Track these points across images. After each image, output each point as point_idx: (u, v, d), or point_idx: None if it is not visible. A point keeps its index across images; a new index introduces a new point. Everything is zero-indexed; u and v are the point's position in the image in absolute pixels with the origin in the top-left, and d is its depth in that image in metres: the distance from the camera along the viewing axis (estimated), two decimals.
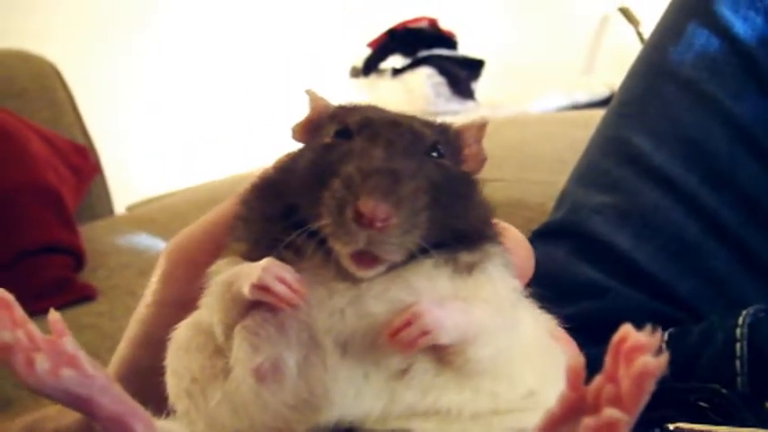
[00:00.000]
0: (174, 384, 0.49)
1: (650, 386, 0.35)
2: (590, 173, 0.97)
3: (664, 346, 0.76)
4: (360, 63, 3.36)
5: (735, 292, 0.84)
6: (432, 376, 0.46)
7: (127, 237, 1.74)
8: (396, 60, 3.25)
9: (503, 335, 0.47)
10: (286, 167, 0.52)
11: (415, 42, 3.26)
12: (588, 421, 0.34)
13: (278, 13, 3.49)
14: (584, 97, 3.10)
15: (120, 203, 2.25)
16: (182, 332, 0.50)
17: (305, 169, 0.49)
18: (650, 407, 0.66)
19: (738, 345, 0.72)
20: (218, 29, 3.37)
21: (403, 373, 0.45)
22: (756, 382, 0.70)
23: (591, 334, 0.52)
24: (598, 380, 0.36)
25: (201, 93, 3.28)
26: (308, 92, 0.55)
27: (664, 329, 0.77)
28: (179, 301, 0.53)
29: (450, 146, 0.51)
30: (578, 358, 0.36)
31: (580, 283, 0.88)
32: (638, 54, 1.02)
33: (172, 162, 3.17)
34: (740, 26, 0.91)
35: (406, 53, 3.24)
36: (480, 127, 0.54)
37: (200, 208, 0.63)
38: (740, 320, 0.73)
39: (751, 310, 0.74)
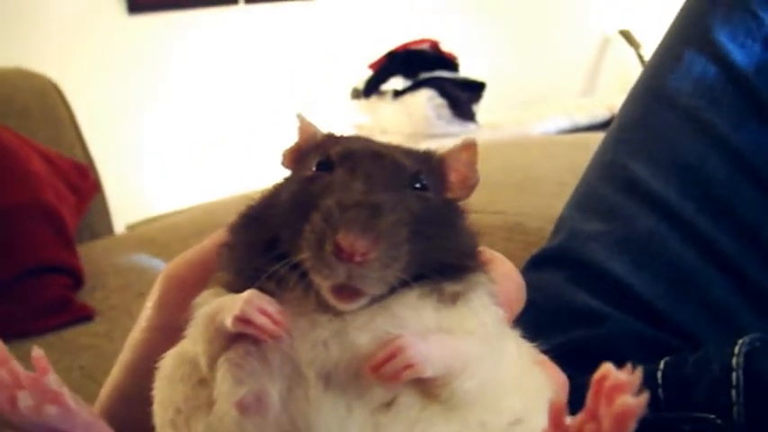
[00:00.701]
0: (159, 414, 0.49)
1: (631, 425, 0.34)
2: (587, 198, 0.97)
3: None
4: (361, 85, 3.37)
5: (732, 320, 0.84)
6: (418, 410, 0.45)
7: (126, 257, 1.74)
8: (397, 82, 3.27)
9: (488, 365, 0.47)
10: (270, 198, 0.52)
11: (416, 64, 3.27)
12: None
13: (281, 35, 3.51)
14: (584, 119, 3.12)
15: (121, 222, 2.25)
16: (167, 362, 0.50)
17: (287, 201, 0.49)
18: None
19: (734, 374, 0.71)
20: (222, 48, 3.39)
21: (388, 406, 0.45)
22: (752, 412, 0.70)
23: (588, 361, 0.52)
24: (579, 417, 0.36)
25: (203, 112, 3.30)
26: (298, 117, 0.55)
27: (660, 357, 0.77)
28: (171, 328, 0.53)
29: (433, 175, 0.51)
30: (560, 395, 0.36)
31: (577, 310, 0.87)
32: (637, 79, 1.03)
33: (173, 181, 3.18)
34: (738, 54, 0.91)
35: (407, 75, 3.26)
36: (466, 149, 0.53)
37: (200, 228, 0.63)
38: (736, 349, 0.72)
39: (747, 339, 0.73)
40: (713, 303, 0.85)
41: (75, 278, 1.55)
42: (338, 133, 0.55)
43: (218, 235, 0.58)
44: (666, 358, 0.76)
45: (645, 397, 0.35)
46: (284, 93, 3.42)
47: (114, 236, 2.06)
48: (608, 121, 2.71)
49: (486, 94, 3.25)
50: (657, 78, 0.97)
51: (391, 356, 0.43)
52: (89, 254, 1.70)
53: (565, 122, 3.09)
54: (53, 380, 0.40)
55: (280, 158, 0.55)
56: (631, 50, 4.05)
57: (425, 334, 0.45)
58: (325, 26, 3.64)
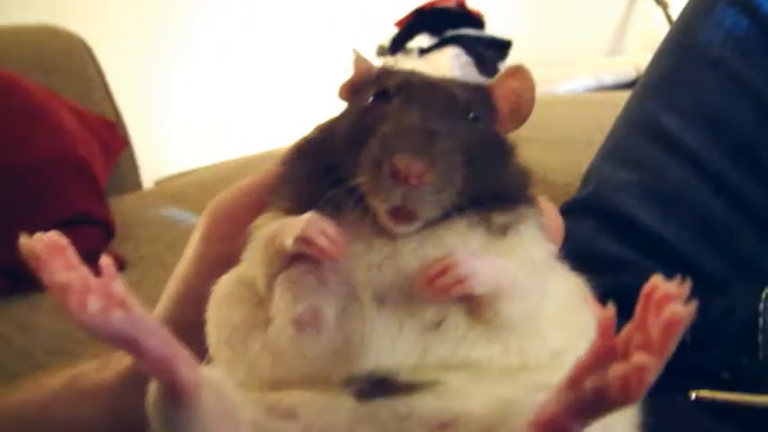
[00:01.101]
0: (215, 335, 0.51)
1: (678, 334, 0.36)
2: (617, 150, 0.98)
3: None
4: (386, 42, 3.35)
5: (758, 268, 0.85)
6: (464, 329, 0.47)
7: (156, 210, 1.76)
8: (423, 40, 3.23)
9: (534, 293, 0.49)
10: (327, 129, 0.54)
11: (442, 22, 3.23)
12: (617, 367, 0.36)
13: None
14: (610, 79, 3.08)
15: (149, 179, 2.27)
16: (224, 285, 0.52)
17: (345, 130, 0.51)
18: (672, 376, 0.68)
19: (761, 319, 0.73)
20: (251, 5, 3.39)
21: (436, 325, 0.47)
22: None
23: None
24: (628, 329, 0.37)
25: (231, 70, 3.30)
26: (353, 51, 0.56)
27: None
28: (219, 259, 0.55)
29: (485, 107, 0.53)
30: (610, 310, 0.37)
31: (604, 258, 0.89)
32: (668, 32, 1.03)
33: (201, 138, 3.19)
34: None
35: (433, 33, 3.22)
36: (513, 75, 0.55)
37: (229, 182, 0.65)
38: (763, 295, 0.74)
39: None
40: (739, 252, 0.86)
41: (106, 230, 1.57)
42: (391, 67, 0.56)
43: (263, 172, 0.59)
44: (694, 302, 0.78)
45: (693, 306, 0.36)
46: (311, 49, 3.41)
47: (143, 190, 2.07)
48: (634, 80, 2.69)
49: (512, 52, 3.23)
50: (688, 31, 0.97)
51: (444, 271, 0.45)
52: (119, 207, 1.72)
53: (591, 81, 3.06)
54: (120, 286, 0.41)
55: (336, 91, 0.56)
56: (659, 10, 4.00)
57: (477, 254, 0.47)
58: None
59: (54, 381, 0.71)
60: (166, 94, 3.13)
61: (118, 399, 0.67)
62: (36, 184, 1.52)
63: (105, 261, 0.42)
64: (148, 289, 1.56)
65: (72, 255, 0.42)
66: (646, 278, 0.82)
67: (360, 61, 0.57)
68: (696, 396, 0.66)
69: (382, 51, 3.36)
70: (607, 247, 0.89)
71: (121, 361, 0.68)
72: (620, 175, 0.94)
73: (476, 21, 3.36)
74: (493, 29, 3.39)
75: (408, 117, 0.47)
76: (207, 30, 3.26)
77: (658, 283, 0.37)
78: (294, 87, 3.33)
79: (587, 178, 0.98)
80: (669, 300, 0.36)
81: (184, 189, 1.88)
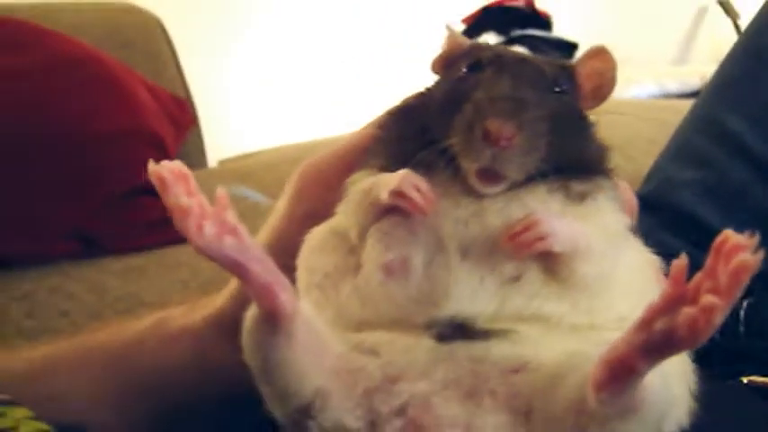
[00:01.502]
0: (305, 279, 0.55)
1: (745, 280, 0.39)
2: (682, 149, 1.00)
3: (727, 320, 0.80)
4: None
5: None
6: (539, 285, 0.51)
7: (221, 187, 1.80)
8: (489, 38, 3.22)
9: (607, 258, 0.52)
10: (422, 96, 0.58)
11: (509, 21, 3.24)
12: (687, 309, 0.39)
13: None
14: (675, 87, 3.07)
15: (212, 159, 2.32)
16: (316, 235, 0.57)
17: (440, 96, 0.55)
18: (727, 363, 0.71)
19: None
20: None
21: (514, 279, 0.51)
22: None
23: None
24: (698, 276, 0.40)
25: (298, 56, 3.34)
26: (447, 28, 0.60)
27: (742, 299, 0.81)
28: (307, 216, 0.59)
29: (569, 83, 0.56)
30: (683, 260, 0.40)
31: (665, 252, 0.91)
32: (737, 39, 1.05)
33: (264, 122, 3.23)
34: None
35: (500, 31, 3.22)
36: (595, 56, 0.58)
37: (294, 163, 0.68)
38: None
39: None
40: None
41: None
42: (483, 43, 0.60)
43: (354, 135, 0.63)
44: (749, 299, 0.80)
45: (760, 256, 0.39)
46: (377, 41, 3.44)
47: (209, 168, 2.12)
48: (698, 90, 2.67)
49: (578, 54, 3.21)
50: (758, 37, 1.00)
51: (527, 228, 0.49)
52: None
53: (654, 89, 3.05)
54: (232, 215, 0.45)
55: (429, 65, 0.60)
56: (728, 21, 3.96)
57: (558, 216, 0.51)
58: None
59: (141, 322, 0.75)
60: (234, 77, 3.18)
61: (203, 342, 0.71)
62: (110, 154, 1.57)
63: (221, 192, 0.46)
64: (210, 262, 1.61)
65: (193, 183, 0.46)
66: None
67: (453, 37, 0.60)
68: (748, 381, 0.69)
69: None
70: (669, 241, 0.92)
71: (207, 306, 0.72)
72: (683, 173, 0.97)
73: (543, 21, 3.36)
74: (560, 30, 3.39)
75: (500, 85, 0.51)
76: (279, 14, 3.30)
77: (729, 235, 0.40)
78: (359, 76, 3.36)
79: (651, 174, 1.01)
80: (738, 249, 0.39)
81: (249, 169, 1.92)
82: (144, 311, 0.78)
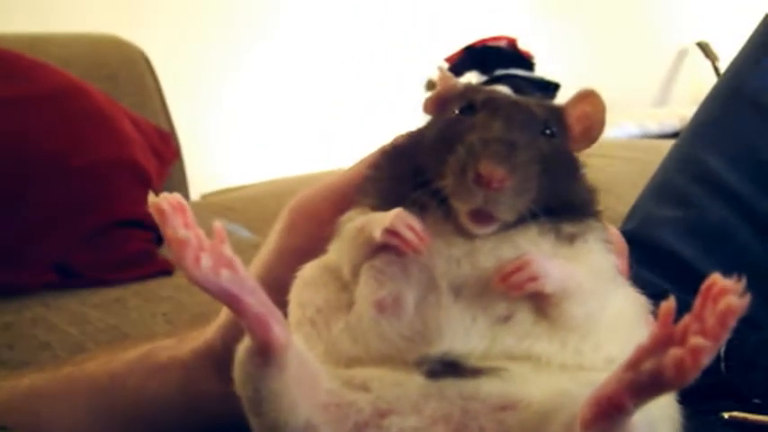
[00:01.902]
0: (297, 314, 0.56)
1: (732, 323, 0.40)
2: (663, 187, 1.01)
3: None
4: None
5: None
6: (530, 325, 0.52)
7: (203, 220, 1.80)
8: (472, 77, 3.26)
9: (596, 299, 0.53)
10: (415, 136, 0.59)
11: (492, 60, 3.28)
12: (675, 350, 0.40)
13: (362, 20, 3.55)
14: (655, 128, 3.11)
15: (195, 192, 2.32)
16: (309, 271, 0.58)
17: (433, 137, 0.56)
18: (708, 399, 0.71)
19: None
20: (304, 29, 3.44)
21: (506, 319, 0.52)
22: None
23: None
24: (686, 318, 0.41)
25: (284, 93, 3.35)
26: (439, 69, 0.61)
27: None
28: (297, 251, 0.60)
29: (559, 125, 0.57)
30: (671, 302, 0.42)
31: (645, 289, 0.92)
32: (717, 80, 1.07)
33: (249, 158, 3.24)
34: None
35: (482, 70, 3.26)
36: (584, 99, 0.59)
37: (278, 198, 0.69)
38: None
39: None
40: None
41: (157, 235, 1.62)
42: (476, 85, 0.62)
43: (346, 172, 0.64)
44: (730, 336, 0.81)
45: (747, 299, 0.41)
46: (361, 79, 3.46)
47: (192, 201, 2.12)
48: (678, 131, 2.72)
49: (560, 94, 3.25)
50: (737, 77, 1.02)
51: (519, 269, 0.50)
52: None
53: (635, 129, 3.09)
54: (228, 249, 0.46)
55: (421, 105, 0.62)
56: (707, 63, 4.02)
57: (549, 257, 0.52)
58: (406, 15, 3.67)
59: (129, 354, 0.75)
60: (218, 111, 3.20)
61: (190, 375, 0.71)
62: (94, 185, 1.57)
63: (217, 226, 0.47)
64: (196, 294, 1.60)
65: (191, 216, 0.47)
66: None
67: (445, 78, 0.62)
68: (729, 417, 0.70)
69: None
70: (649, 279, 0.92)
71: (196, 338, 0.72)
72: (664, 211, 0.98)
73: (526, 61, 3.39)
74: (542, 71, 3.43)
75: (493, 128, 0.52)
76: (263, 50, 3.32)
77: (717, 279, 0.41)
78: (343, 114, 3.38)
79: (632, 213, 1.02)
80: (726, 293, 0.41)
81: (232, 203, 1.93)
82: (130, 342, 0.79)
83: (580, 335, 0.53)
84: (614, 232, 0.60)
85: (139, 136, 1.84)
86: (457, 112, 0.56)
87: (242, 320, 0.47)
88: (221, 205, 1.93)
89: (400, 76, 3.42)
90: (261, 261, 0.68)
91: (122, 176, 1.64)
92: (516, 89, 3.13)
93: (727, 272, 0.87)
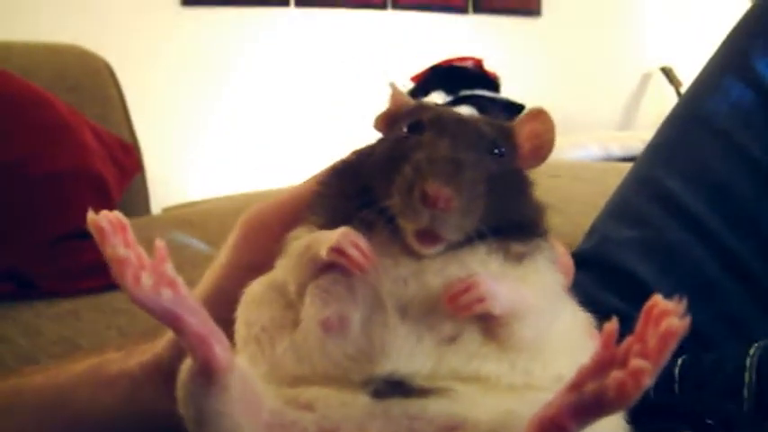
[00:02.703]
0: (243, 332, 0.55)
1: (673, 345, 0.40)
2: (620, 208, 1.02)
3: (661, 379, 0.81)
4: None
5: (748, 329, 0.89)
6: (477, 345, 0.51)
7: (163, 234, 1.78)
8: (438, 97, 3.28)
9: (545, 319, 0.53)
10: (363, 154, 0.58)
11: (458, 81, 3.30)
12: (617, 372, 0.40)
13: (327, 40, 3.57)
14: (618, 151, 3.15)
15: (156, 206, 2.31)
16: (255, 288, 0.57)
17: (381, 156, 0.55)
18: (661, 419, 0.71)
19: (747, 374, 0.76)
20: (268, 47, 3.45)
21: (452, 339, 0.51)
22: (762, 411, 0.74)
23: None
24: (628, 340, 0.41)
25: (246, 109, 3.36)
26: (391, 85, 0.61)
27: (677, 356, 0.82)
28: (249, 266, 0.59)
29: (508, 144, 0.57)
30: (614, 323, 0.42)
31: (602, 310, 0.92)
32: (677, 102, 1.08)
33: (212, 172, 3.24)
34: None
35: (448, 90, 3.28)
36: (533, 118, 0.59)
37: (238, 213, 0.69)
38: (751, 351, 0.77)
39: (762, 342, 0.78)
40: (730, 312, 0.90)
41: None
42: (426, 103, 0.62)
43: (297, 187, 0.64)
44: (683, 356, 0.81)
45: (687, 321, 0.40)
46: (323, 97, 3.48)
47: (152, 215, 2.11)
48: None
49: None
50: (696, 101, 1.02)
51: (467, 290, 0.50)
52: None
53: (599, 152, 3.12)
54: (170, 268, 0.46)
55: (372, 122, 0.61)
56: (671, 88, 4.08)
57: (497, 278, 0.51)
58: (370, 36, 3.70)
59: (77, 366, 0.74)
60: (181, 124, 3.19)
61: (138, 388, 0.70)
62: (51, 195, 1.56)
63: (159, 244, 0.46)
64: None
65: (131, 234, 0.46)
66: None
67: (397, 95, 0.61)
68: None
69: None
70: (606, 299, 0.93)
71: (145, 352, 0.71)
72: (621, 231, 0.98)
73: (491, 82, 3.42)
74: (508, 93, 3.46)
75: (440, 147, 0.52)
76: (226, 68, 3.32)
77: (658, 301, 0.41)
78: (307, 131, 3.38)
79: (591, 233, 1.03)
80: (667, 314, 0.40)
81: (192, 217, 1.91)
82: (79, 355, 0.77)
83: (529, 355, 0.52)
84: (561, 250, 0.59)
85: (101, 147, 1.83)
86: (405, 130, 0.56)
87: (183, 341, 0.46)
88: (181, 219, 1.91)
89: (359, 95, 3.43)
90: (212, 275, 0.68)
91: (81, 187, 1.62)
92: (481, 109, 3.15)
93: (682, 292, 0.88)
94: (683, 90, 3.59)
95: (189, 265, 0.69)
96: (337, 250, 0.50)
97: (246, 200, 1.94)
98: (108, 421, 0.71)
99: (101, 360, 0.74)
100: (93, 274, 1.49)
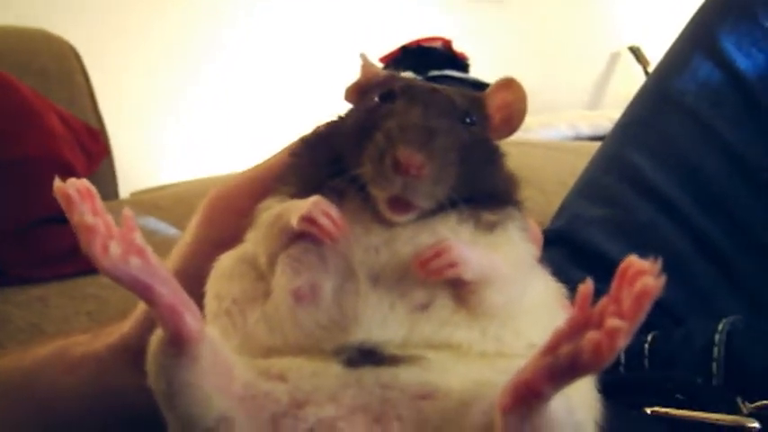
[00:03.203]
0: (213, 305, 0.55)
1: (648, 304, 0.40)
2: (590, 187, 1.02)
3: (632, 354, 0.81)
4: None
5: (717, 306, 0.89)
6: (449, 313, 0.51)
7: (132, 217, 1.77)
8: (406, 77, 3.27)
9: (516, 286, 0.53)
10: (335, 124, 0.58)
11: (427, 61, 3.29)
12: (592, 333, 0.40)
13: (296, 22, 3.55)
14: (588, 131, 3.16)
15: (125, 190, 2.29)
16: (225, 261, 0.56)
17: (352, 125, 0.55)
18: (631, 393, 0.72)
19: (716, 349, 0.77)
20: (238, 30, 3.43)
21: (424, 307, 0.51)
22: (730, 384, 0.75)
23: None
24: (603, 301, 0.41)
25: (216, 90, 3.33)
26: (361, 56, 0.61)
27: (647, 332, 0.82)
28: (217, 242, 0.59)
29: (480, 114, 0.57)
30: (589, 284, 0.42)
31: (573, 287, 0.93)
32: (645, 81, 1.08)
33: (179, 155, 3.21)
34: (743, 61, 0.97)
35: (417, 71, 3.27)
36: (503, 88, 0.59)
37: (204, 195, 0.68)
38: (720, 326, 0.78)
39: (730, 319, 0.79)
40: (700, 290, 0.90)
41: None
42: (397, 73, 0.61)
43: (265, 163, 0.63)
44: (653, 332, 0.82)
45: (663, 280, 0.40)
46: (294, 79, 3.46)
47: (120, 199, 2.09)
48: None
49: None
50: (665, 80, 1.03)
51: (437, 255, 0.49)
52: None
53: (568, 131, 3.14)
54: (138, 237, 0.45)
55: (342, 93, 0.61)
56: (639, 67, 4.09)
57: (469, 244, 0.51)
58: (340, 16, 3.68)
59: (43, 349, 0.73)
60: (149, 108, 3.16)
61: (105, 370, 0.69)
62: (17, 181, 1.54)
63: (127, 212, 0.46)
64: (121, 291, 1.58)
65: (99, 202, 0.45)
66: None
67: (367, 66, 0.61)
68: (652, 411, 0.70)
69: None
70: (577, 277, 0.93)
71: (111, 333, 0.71)
72: (591, 210, 0.99)
73: (460, 63, 3.42)
74: (476, 73, 3.45)
75: (411, 115, 0.51)
76: (196, 48, 3.30)
77: (633, 261, 0.41)
78: (276, 115, 3.37)
79: (561, 211, 1.03)
80: (642, 274, 0.40)
81: (160, 201, 1.90)
82: (45, 339, 0.77)
83: (500, 322, 0.52)
84: (531, 223, 0.59)
85: (67, 132, 1.81)
86: (377, 99, 0.56)
87: (153, 311, 0.45)
88: (150, 203, 1.89)
89: (330, 78, 3.42)
90: (178, 253, 0.67)
91: (47, 173, 1.58)
92: None
93: None
94: (650, 69, 3.60)
95: (156, 250, 0.68)
96: (308, 219, 0.50)
97: (215, 183, 1.93)
98: (75, 403, 0.71)
99: (66, 343, 0.73)
100: (61, 260, 1.47)
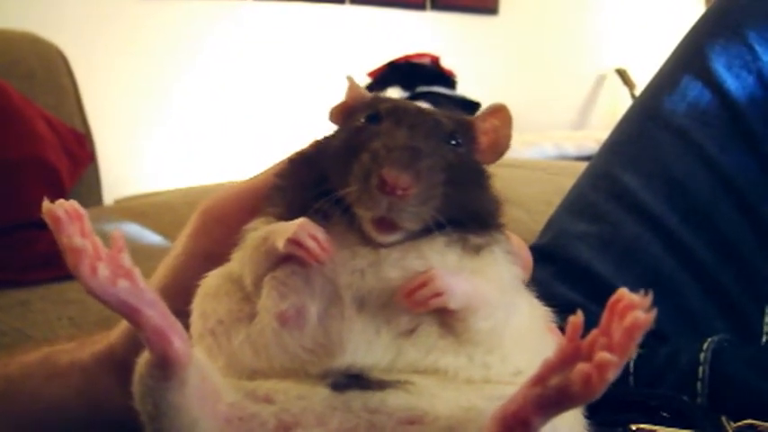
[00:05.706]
0: (199, 325, 0.54)
1: (638, 338, 0.40)
2: (578, 203, 1.02)
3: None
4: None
5: (702, 324, 0.90)
6: (435, 339, 0.51)
7: (115, 225, 1.76)
8: (394, 92, 3.28)
9: (502, 312, 0.53)
10: (321, 144, 0.58)
11: (415, 77, 3.31)
12: (582, 366, 0.40)
13: (284, 34, 3.55)
14: (573, 151, 3.18)
15: (109, 197, 2.28)
16: (211, 280, 0.56)
17: (338, 145, 0.55)
18: (616, 411, 0.72)
19: (701, 368, 0.77)
20: (226, 39, 3.43)
21: (410, 332, 0.51)
22: (714, 403, 0.75)
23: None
24: (593, 333, 0.41)
25: (204, 99, 3.33)
26: (348, 78, 0.60)
27: None
28: (207, 255, 0.59)
29: (467, 137, 0.57)
30: (579, 316, 0.41)
31: (560, 304, 0.93)
32: (634, 100, 1.09)
33: (164, 163, 3.21)
34: (732, 83, 0.97)
35: (405, 86, 3.29)
36: (494, 114, 0.59)
37: (192, 205, 0.68)
38: (705, 346, 0.78)
39: (715, 338, 0.79)
40: (685, 307, 0.91)
41: None
42: (382, 95, 0.62)
43: (256, 178, 0.63)
44: (639, 350, 0.82)
45: (653, 314, 0.40)
46: (281, 92, 3.46)
47: (104, 206, 2.08)
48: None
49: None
50: (654, 99, 1.03)
51: (423, 285, 0.49)
52: None
53: (553, 151, 3.16)
54: (127, 259, 0.45)
55: (327, 114, 0.60)
56: (625, 90, 4.12)
57: (454, 271, 0.51)
58: (328, 31, 3.69)
59: (28, 357, 0.73)
60: (135, 115, 3.15)
61: (89, 379, 0.69)
62: (3, 185, 1.53)
63: (117, 234, 0.45)
64: None
65: (87, 224, 0.45)
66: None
67: (354, 88, 0.61)
68: (637, 429, 0.70)
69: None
70: (563, 293, 0.93)
71: (98, 342, 0.70)
72: (578, 226, 0.99)
73: (448, 80, 3.43)
74: (464, 91, 3.47)
75: (397, 136, 0.51)
76: (184, 55, 3.29)
77: (623, 294, 0.41)
78: (264, 125, 3.37)
79: (548, 227, 1.03)
80: (632, 308, 0.40)
81: (145, 209, 1.89)
82: (30, 346, 0.76)
83: (486, 348, 0.52)
84: (520, 243, 0.59)
85: (53, 136, 1.80)
86: (363, 120, 0.55)
87: (141, 334, 0.45)
88: (135, 210, 1.89)
89: (316, 90, 3.43)
90: (168, 265, 0.67)
91: (32, 177, 1.59)
92: (437, 106, 3.13)
93: (638, 287, 0.89)
94: (637, 92, 3.63)
95: (140, 258, 0.68)
96: (295, 242, 0.49)
97: (201, 192, 1.93)
98: (60, 412, 0.70)
99: (52, 351, 0.73)
100: (44, 265, 1.47)
